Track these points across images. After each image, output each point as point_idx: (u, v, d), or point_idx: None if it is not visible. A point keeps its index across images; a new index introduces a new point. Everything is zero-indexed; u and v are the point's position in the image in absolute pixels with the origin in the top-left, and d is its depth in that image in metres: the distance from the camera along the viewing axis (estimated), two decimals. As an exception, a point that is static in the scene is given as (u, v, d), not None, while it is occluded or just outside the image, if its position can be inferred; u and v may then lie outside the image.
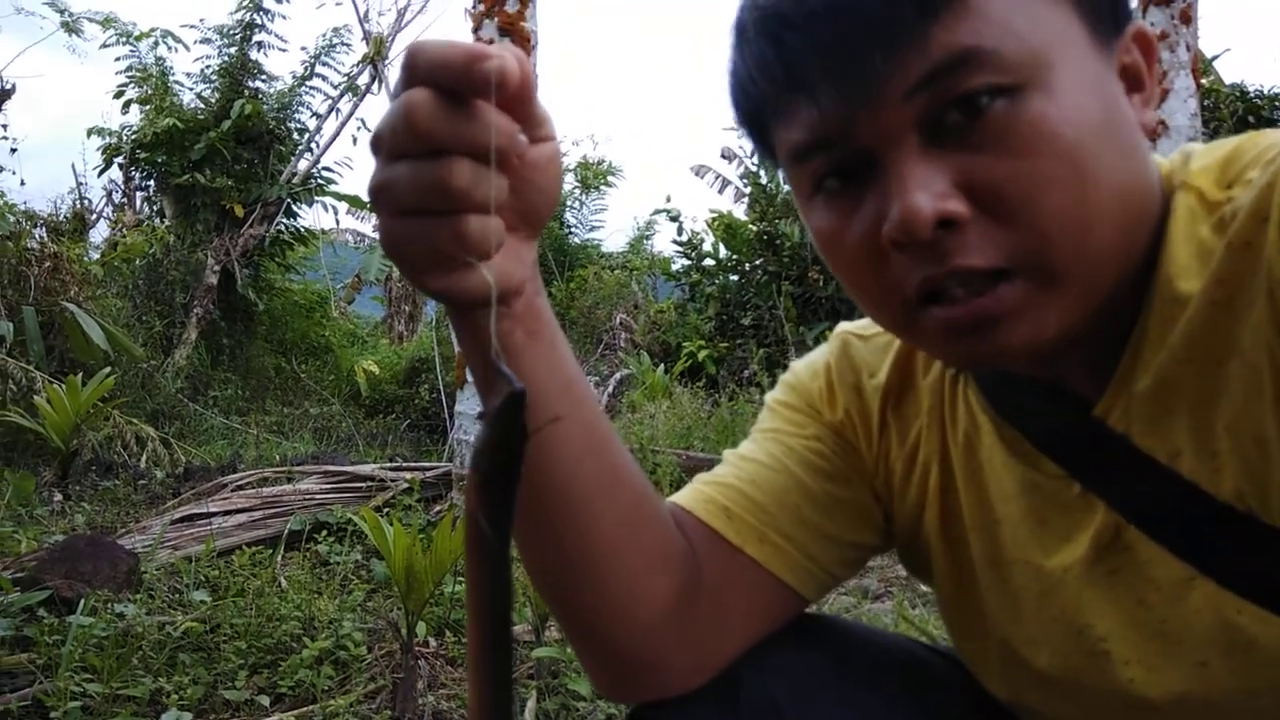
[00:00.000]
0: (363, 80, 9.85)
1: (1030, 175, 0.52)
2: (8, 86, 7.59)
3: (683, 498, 0.76)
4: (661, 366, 7.51)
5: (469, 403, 3.64)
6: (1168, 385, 0.58)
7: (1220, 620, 0.59)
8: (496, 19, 3.81)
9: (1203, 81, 5.39)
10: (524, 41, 3.82)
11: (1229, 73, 11.09)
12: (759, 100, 0.60)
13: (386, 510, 3.24)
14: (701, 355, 7.99)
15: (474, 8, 3.93)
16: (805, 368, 0.82)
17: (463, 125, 0.46)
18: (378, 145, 0.49)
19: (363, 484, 3.65)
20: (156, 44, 9.31)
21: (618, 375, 7.22)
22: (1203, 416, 0.58)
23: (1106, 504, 0.63)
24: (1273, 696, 0.59)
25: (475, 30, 3.87)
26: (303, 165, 9.62)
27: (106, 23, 9.16)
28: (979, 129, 0.53)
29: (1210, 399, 0.57)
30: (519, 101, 0.48)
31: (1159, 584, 0.62)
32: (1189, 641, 0.61)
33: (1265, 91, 8.17)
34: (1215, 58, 8.63)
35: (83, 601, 2.51)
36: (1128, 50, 0.59)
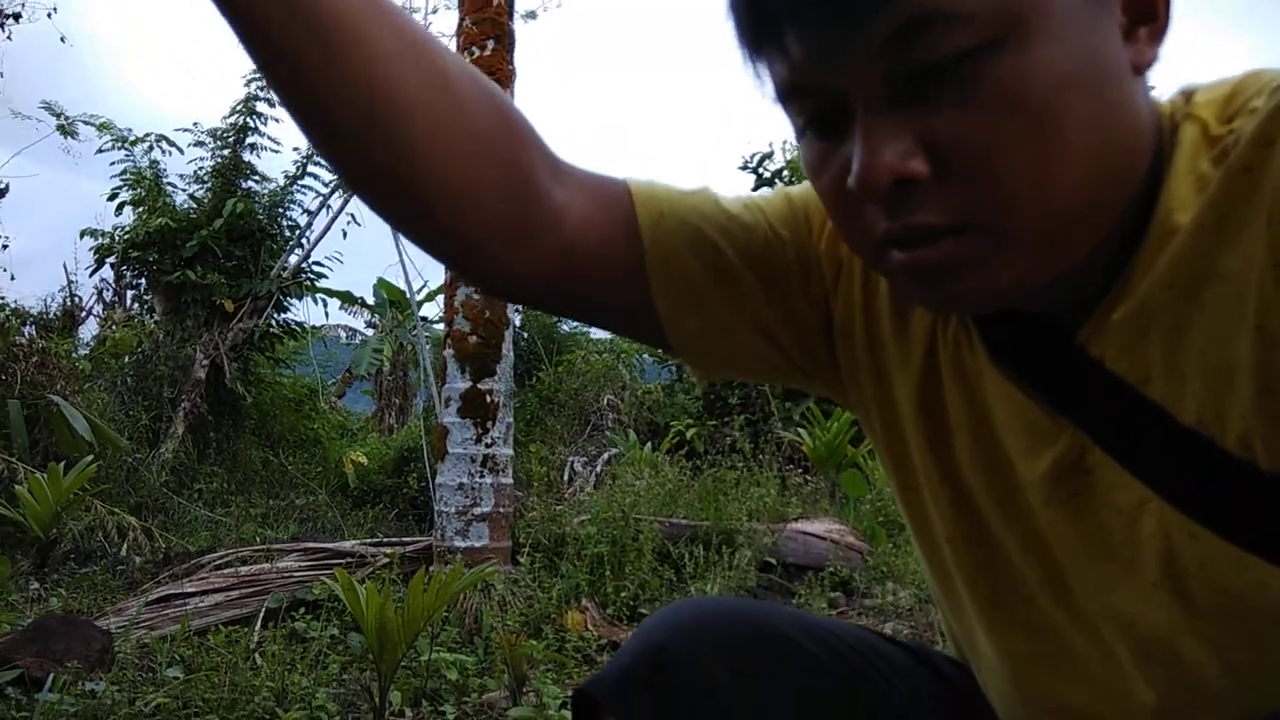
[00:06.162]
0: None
1: (992, 137, 0.52)
2: (1, 186, 7.75)
3: (638, 184, 0.73)
4: (649, 444, 7.48)
5: (449, 474, 3.64)
6: (1145, 310, 0.58)
7: (1171, 545, 0.59)
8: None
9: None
10: (504, 80, 3.95)
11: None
12: (740, 36, 0.59)
13: (365, 582, 3.19)
14: (690, 433, 7.96)
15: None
16: None
17: None
18: None
19: (342, 560, 3.61)
20: (151, 148, 9.54)
21: (606, 455, 7.19)
22: (1175, 342, 0.57)
23: (1075, 426, 0.63)
24: (1219, 623, 0.59)
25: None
26: (293, 260, 9.76)
27: (103, 128, 9.39)
28: (945, 89, 0.52)
29: (1185, 325, 0.57)
30: None
31: (1119, 507, 0.62)
32: (1142, 564, 0.61)
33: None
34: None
35: (51, 678, 2.46)
36: None
